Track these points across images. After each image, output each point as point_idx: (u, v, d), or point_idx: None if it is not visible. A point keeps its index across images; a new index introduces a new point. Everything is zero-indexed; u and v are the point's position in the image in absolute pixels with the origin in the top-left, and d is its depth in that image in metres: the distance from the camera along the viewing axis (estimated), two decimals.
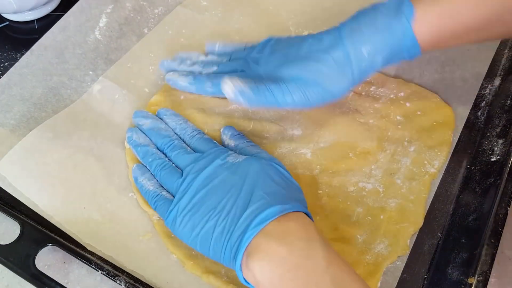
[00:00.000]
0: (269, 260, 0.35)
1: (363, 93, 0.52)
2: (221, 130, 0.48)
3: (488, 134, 0.49)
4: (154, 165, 0.45)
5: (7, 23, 0.62)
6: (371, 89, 0.52)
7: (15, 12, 0.59)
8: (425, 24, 0.41)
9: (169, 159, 0.45)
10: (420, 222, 0.44)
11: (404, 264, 0.42)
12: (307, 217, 0.38)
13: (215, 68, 0.51)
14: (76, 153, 0.48)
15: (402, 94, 0.52)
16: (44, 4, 0.60)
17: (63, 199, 0.45)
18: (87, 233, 0.43)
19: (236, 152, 0.44)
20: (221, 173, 0.41)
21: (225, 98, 0.45)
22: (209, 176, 0.41)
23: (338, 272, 0.34)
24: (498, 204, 0.42)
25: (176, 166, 0.44)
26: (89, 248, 0.42)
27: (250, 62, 0.47)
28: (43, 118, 0.50)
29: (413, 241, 0.43)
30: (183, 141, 0.47)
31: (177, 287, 0.41)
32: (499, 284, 0.42)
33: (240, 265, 0.36)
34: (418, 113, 0.50)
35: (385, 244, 0.43)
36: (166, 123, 0.49)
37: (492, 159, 0.47)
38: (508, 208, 0.42)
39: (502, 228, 0.42)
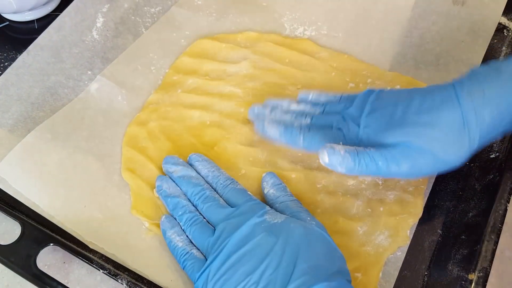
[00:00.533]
0: None
1: (360, 85, 0.52)
2: (263, 176, 0.45)
3: None
4: (184, 219, 0.42)
5: (7, 23, 0.62)
6: (367, 81, 0.53)
7: (15, 12, 0.60)
8: None
9: (200, 212, 0.43)
10: (419, 213, 0.44)
11: (404, 255, 0.42)
12: None
13: (308, 121, 0.46)
14: (75, 152, 0.48)
15: (398, 86, 0.52)
16: (44, 4, 0.61)
17: (64, 199, 0.45)
18: (89, 232, 0.44)
19: (274, 204, 0.42)
20: (258, 233, 0.37)
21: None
22: (245, 237, 0.38)
23: None
24: (498, 201, 0.43)
25: (208, 220, 0.42)
26: (91, 247, 0.43)
27: (347, 120, 0.43)
28: (41, 117, 0.50)
29: (413, 231, 0.44)
30: (215, 191, 0.44)
31: (182, 285, 0.41)
32: (500, 284, 0.42)
33: None
34: None
35: (385, 235, 0.43)
36: (197, 171, 0.46)
37: (491, 156, 0.47)
38: (508, 205, 0.42)
39: (502, 224, 0.42)
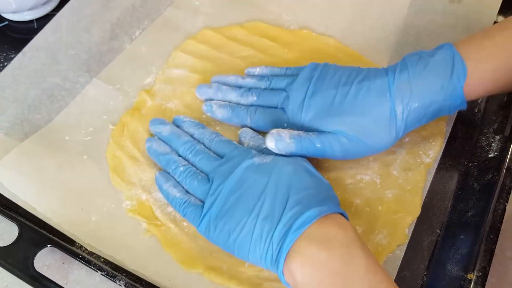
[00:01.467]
0: (310, 264, 0.35)
1: None
2: (239, 133, 0.48)
3: (485, 131, 0.50)
4: (179, 172, 0.45)
5: (6, 22, 0.63)
6: None
7: (14, 12, 0.60)
8: (477, 82, 0.42)
9: (192, 165, 0.46)
10: (417, 211, 0.45)
11: (403, 254, 0.43)
12: (344, 218, 0.38)
13: (254, 99, 0.49)
14: (72, 156, 0.49)
15: None
16: (43, 4, 0.61)
17: (61, 201, 0.46)
18: (87, 233, 0.44)
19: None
20: (250, 175, 0.41)
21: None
22: (238, 180, 0.41)
23: (375, 280, 0.34)
24: (496, 200, 0.43)
25: (201, 171, 0.45)
26: (89, 248, 0.43)
27: (291, 100, 0.46)
28: (37, 120, 0.51)
29: (411, 230, 0.44)
30: (203, 145, 0.47)
31: (180, 284, 0.42)
32: (500, 285, 0.43)
33: (282, 268, 0.37)
34: None
35: (384, 234, 0.44)
36: (183, 130, 0.49)
37: (490, 155, 0.48)
38: (506, 204, 0.43)
39: (501, 223, 0.42)
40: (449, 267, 0.42)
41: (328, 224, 0.37)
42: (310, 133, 0.44)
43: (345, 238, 0.36)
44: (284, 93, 0.48)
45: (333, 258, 0.35)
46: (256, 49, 0.57)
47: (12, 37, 0.60)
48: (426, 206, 0.46)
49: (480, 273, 0.40)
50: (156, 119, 0.50)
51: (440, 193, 0.47)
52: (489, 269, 0.41)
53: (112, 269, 0.42)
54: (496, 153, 0.47)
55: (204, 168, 0.44)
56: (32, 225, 0.44)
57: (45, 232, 0.44)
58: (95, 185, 0.47)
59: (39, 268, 0.41)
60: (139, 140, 0.50)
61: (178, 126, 0.49)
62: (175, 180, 0.45)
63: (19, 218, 0.44)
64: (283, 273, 0.37)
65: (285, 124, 0.47)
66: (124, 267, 0.42)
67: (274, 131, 0.43)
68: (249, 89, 0.50)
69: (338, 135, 0.43)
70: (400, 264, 0.43)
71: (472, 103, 0.52)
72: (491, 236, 0.42)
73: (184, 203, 0.43)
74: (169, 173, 0.46)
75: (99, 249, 0.43)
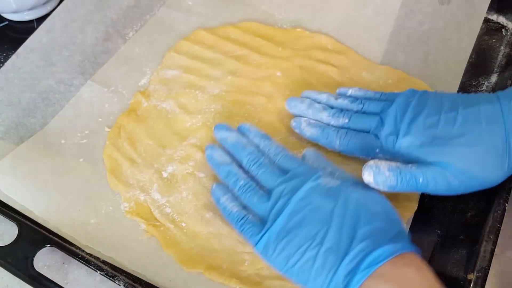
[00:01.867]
0: None
1: (354, 78, 0.54)
2: (304, 152, 0.46)
3: None
4: (238, 186, 0.43)
5: (6, 22, 0.63)
6: (361, 74, 0.55)
7: (14, 12, 0.60)
8: None
9: (253, 177, 0.44)
10: (414, 206, 0.45)
11: None
12: (420, 258, 0.36)
13: (346, 121, 0.47)
14: (68, 159, 0.49)
15: (390, 81, 0.53)
16: (43, 4, 0.61)
17: (58, 204, 0.46)
18: (85, 235, 0.44)
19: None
20: (315, 198, 0.39)
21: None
22: (302, 200, 0.39)
23: None
24: (497, 200, 0.43)
25: (262, 186, 0.43)
26: (87, 250, 0.43)
27: (385, 125, 0.44)
28: (32, 124, 0.51)
29: (409, 225, 0.44)
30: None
31: (181, 284, 0.42)
32: (500, 284, 0.43)
33: None
34: None
35: None
36: (248, 139, 0.47)
37: None
38: (506, 204, 0.43)
39: (501, 224, 0.42)
40: (449, 268, 0.42)
41: (403, 264, 0.35)
42: (409, 165, 0.41)
43: (423, 281, 0.34)
44: (378, 118, 0.45)
45: None
46: (249, 48, 0.57)
47: (12, 37, 0.60)
48: (426, 206, 0.45)
49: (480, 274, 0.40)
50: (221, 125, 0.48)
51: None
52: (489, 269, 0.41)
53: (112, 269, 0.42)
54: None
55: (266, 183, 0.42)
56: (32, 224, 0.44)
57: (45, 232, 0.44)
58: (92, 188, 0.47)
59: (39, 268, 0.41)
60: (136, 142, 0.50)
61: (242, 134, 0.47)
62: (232, 193, 0.44)
63: (18, 218, 0.44)
64: None
65: (377, 150, 0.44)
66: (124, 269, 0.42)
67: (371, 162, 0.41)
68: (341, 110, 0.48)
69: (443, 168, 0.40)
70: None
71: None
72: (491, 237, 0.42)
73: (241, 219, 0.41)
74: (227, 185, 0.44)
75: (98, 251, 0.43)
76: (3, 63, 0.56)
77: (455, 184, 0.40)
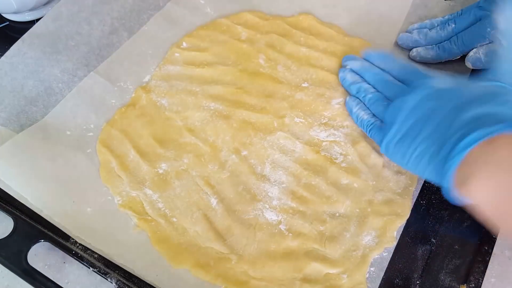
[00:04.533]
0: (491, 185, 0.34)
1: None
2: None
3: None
4: (368, 98, 0.50)
5: (7, 23, 0.64)
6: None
7: (15, 12, 0.61)
8: None
9: (379, 92, 0.50)
10: (406, 214, 0.46)
11: (390, 256, 0.44)
12: None
13: (452, 26, 0.55)
14: (66, 149, 0.49)
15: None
16: (44, 5, 0.62)
17: (53, 194, 0.47)
18: (77, 226, 0.45)
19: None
20: (426, 102, 0.43)
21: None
22: (414, 106, 0.43)
23: None
24: None
25: (387, 97, 0.49)
26: (78, 241, 0.44)
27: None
28: (33, 112, 0.52)
29: (400, 232, 0.45)
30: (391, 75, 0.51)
31: (166, 280, 0.43)
32: (500, 285, 0.43)
33: (453, 182, 0.37)
34: None
35: (372, 236, 0.45)
36: (373, 63, 0.53)
37: None
38: None
39: (496, 235, 0.43)
40: (442, 277, 0.43)
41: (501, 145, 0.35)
42: None
43: None
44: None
45: None
46: (251, 45, 0.58)
47: (13, 37, 0.59)
48: (421, 215, 0.46)
49: (473, 285, 0.41)
50: (349, 56, 0.56)
51: (436, 203, 0.47)
52: (483, 281, 0.41)
53: (105, 266, 0.43)
54: None
55: (390, 94, 0.48)
56: (27, 219, 0.45)
57: (40, 227, 0.44)
58: (88, 179, 0.48)
59: (39, 268, 0.42)
60: (131, 136, 0.51)
61: (366, 59, 0.54)
62: (363, 104, 0.51)
63: (14, 211, 0.45)
64: (453, 187, 0.37)
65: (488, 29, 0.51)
66: (113, 261, 0.43)
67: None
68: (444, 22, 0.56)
69: None
70: (393, 272, 0.43)
71: None
72: (486, 248, 0.42)
73: (370, 124, 0.48)
74: (359, 99, 0.51)
75: (89, 242, 0.44)
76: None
77: None
